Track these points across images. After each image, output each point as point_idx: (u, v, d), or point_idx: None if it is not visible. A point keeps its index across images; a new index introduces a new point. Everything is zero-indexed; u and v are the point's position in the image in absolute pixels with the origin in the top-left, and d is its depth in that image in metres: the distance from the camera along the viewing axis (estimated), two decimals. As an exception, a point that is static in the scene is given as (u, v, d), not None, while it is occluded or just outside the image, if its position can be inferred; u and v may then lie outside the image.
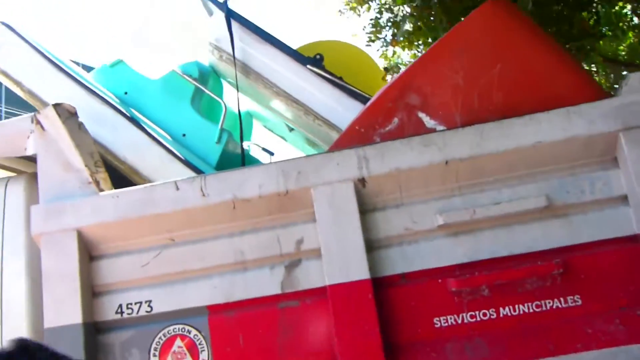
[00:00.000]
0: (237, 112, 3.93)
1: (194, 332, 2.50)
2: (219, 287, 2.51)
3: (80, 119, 2.75)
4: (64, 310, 2.48)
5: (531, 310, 2.32)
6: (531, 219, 2.40)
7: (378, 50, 7.50)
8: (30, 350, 0.84)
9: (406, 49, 7.60)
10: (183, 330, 2.51)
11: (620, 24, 7.25)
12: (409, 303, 2.40)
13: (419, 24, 6.36)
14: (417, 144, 2.43)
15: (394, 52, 8.19)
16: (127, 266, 2.59)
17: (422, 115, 2.57)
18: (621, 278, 2.30)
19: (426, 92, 2.58)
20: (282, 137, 4.23)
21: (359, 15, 8.11)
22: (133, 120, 3.03)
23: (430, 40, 6.40)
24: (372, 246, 2.45)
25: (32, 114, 2.76)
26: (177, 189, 2.53)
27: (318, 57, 3.32)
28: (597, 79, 8.40)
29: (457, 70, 2.56)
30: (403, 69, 9.71)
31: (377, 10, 7.60)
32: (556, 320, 2.31)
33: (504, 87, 2.51)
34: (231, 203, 2.49)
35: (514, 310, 2.33)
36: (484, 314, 2.34)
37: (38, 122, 2.74)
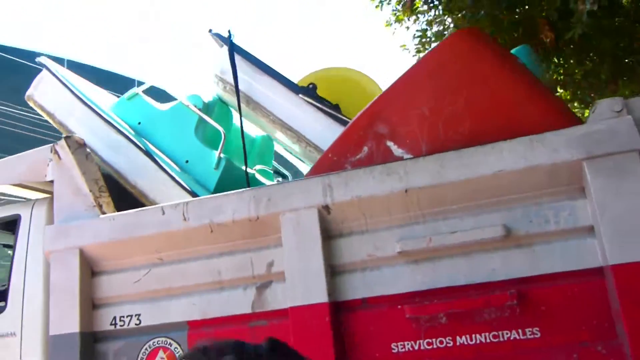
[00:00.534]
0: (253, 137, 4.18)
1: (174, 345, 2.72)
2: (197, 305, 2.72)
3: (88, 149, 3.09)
4: (66, 320, 2.80)
5: (488, 341, 2.31)
6: (493, 248, 2.38)
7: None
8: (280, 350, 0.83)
9: None
10: (165, 342, 2.74)
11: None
12: (369, 327, 2.47)
13: None
14: (379, 172, 2.50)
15: None
16: (122, 282, 2.87)
17: (390, 144, 2.64)
18: (583, 312, 2.23)
19: (394, 121, 2.65)
20: (301, 159, 4.41)
21: (407, 28, 8.06)
22: (142, 148, 3.34)
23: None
24: (335, 271, 2.56)
25: (52, 144, 3.14)
26: (163, 213, 2.78)
27: (310, 86, 3.47)
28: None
29: (423, 100, 2.61)
30: None
31: (425, 22, 7.53)
32: (513, 351, 2.28)
33: (470, 116, 2.52)
34: (208, 227, 2.70)
35: (471, 340, 2.33)
36: (441, 342, 2.36)
37: (56, 152, 3.11)
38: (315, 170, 2.76)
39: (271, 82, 3.45)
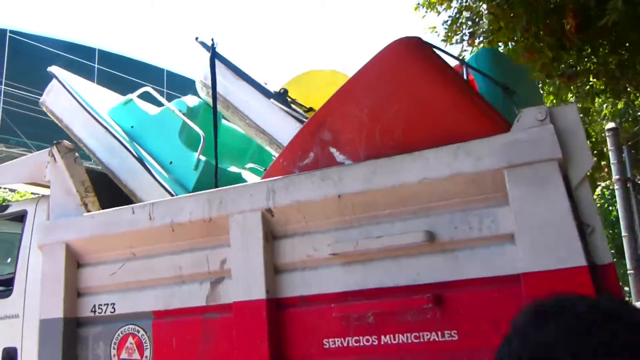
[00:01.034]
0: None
1: (141, 332, 3.01)
2: (161, 296, 2.99)
3: (77, 154, 3.43)
4: (53, 306, 3.16)
5: (410, 341, 2.41)
6: (419, 253, 2.47)
7: (453, 44, 7.18)
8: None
9: None
10: (134, 330, 3.03)
11: None
12: (305, 323, 2.63)
13: (500, 23, 6.07)
14: (317, 178, 2.64)
15: (472, 52, 7.88)
16: (101, 274, 3.19)
17: (333, 150, 2.76)
18: (500, 318, 2.27)
19: (337, 128, 2.76)
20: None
21: (438, 13, 7.89)
22: (131, 151, 3.65)
23: (509, 41, 6.06)
24: (278, 269, 2.74)
25: (49, 148, 3.50)
26: (133, 213, 3.06)
27: (282, 91, 3.62)
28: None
29: (363, 108, 2.71)
30: None
31: (456, 8, 7.35)
32: (432, 353, 2.37)
33: (404, 124, 2.60)
34: (170, 226, 2.95)
35: (394, 339, 2.44)
36: (367, 340, 2.49)
37: (52, 155, 3.47)
38: (268, 174, 2.94)
39: (247, 88, 3.64)
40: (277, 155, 3.58)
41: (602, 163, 8.08)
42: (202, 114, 3.81)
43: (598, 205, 12.48)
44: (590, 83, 7.28)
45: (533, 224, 2.23)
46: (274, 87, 4.04)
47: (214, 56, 3.67)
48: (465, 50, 7.09)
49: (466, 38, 6.89)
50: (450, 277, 2.40)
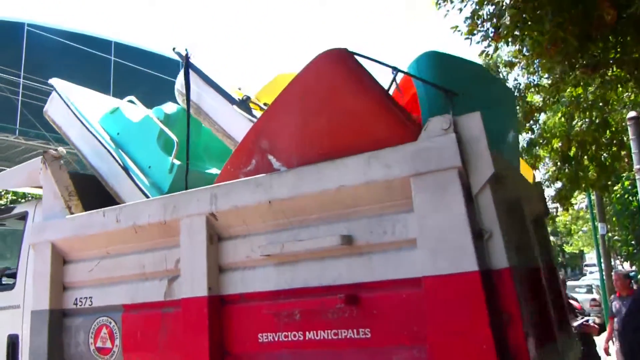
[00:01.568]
0: None
1: (112, 323, 3.34)
2: (129, 291, 3.30)
3: (62, 161, 3.79)
4: (41, 299, 3.55)
5: (330, 337, 2.59)
6: (341, 255, 2.63)
7: (478, 42, 7.06)
8: None
9: (510, 45, 7.14)
10: (107, 321, 3.37)
11: None
12: (244, 319, 2.86)
13: (523, 16, 5.95)
14: (252, 185, 2.84)
15: (497, 48, 7.70)
16: (82, 270, 3.54)
17: (270, 158, 2.94)
18: (406, 318, 2.41)
19: (273, 137, 2.94)
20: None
21: (460, 10, 7.75)
22: (115, 157, 3.98)
23: (535, 34, 5.92)
24: (223, 268, 2.97)
25: (42, 156, 3.88)
26: (104, 216, 3.38)
27: (245, 98, 3.81)
28: None
29: (295, 117, 2.87)
30: (502, 69, 9.08)
31: (475, 2, 7.20)
32: (349, 348, 2.53)
33: (331, 133, 2.74)
34: (133, 228, 3.24)
35: (317, 335, 2.62)
36: (294, 335, 2.68)
37: (44, 162, 3.85)
38: (219, 179, 3.15)
39: (215, 95, 3.86)
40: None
41: (623, 153, 7.78)
42: (180, 120, 4.07)
43: (618, 195, 11.95)
44: (615, 73, 7.00)
45: (432, 229, 2.34)
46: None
47: (188, 66, 3.92)
48: (489, 46, 6.88)
49: (491, 34, 6.72)
50: (365, 279, 2.55)
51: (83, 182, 4.13)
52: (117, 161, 3.97)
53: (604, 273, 13.26)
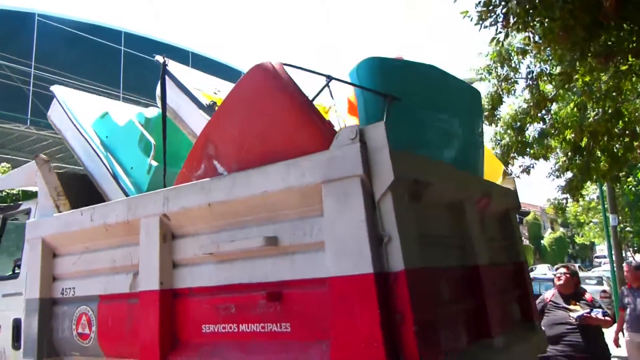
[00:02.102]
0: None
1: (90, 312, 3.71)
2: (103, 283, 3.65)
3: (51, 165, 4.18)
4: (34, 288, 3.97)
5: (258, 330, 2.82)
6: (269, 255, 2.84)
7: (486, 27, 6.95)
8: None
9: (521, 32, 7.03)
10: (86, 310, 3.74)
11: None
12: (191, 311, 3.13)
13: (536, 1, 5.88)
14: (197, 188, 3.09)
15: (507, 35, 7.59)
16: (67, 263, 3.93)
17: (215, 163, 3.17)
18: (320, 315, 2.60)
19: (217, 143, 3.16)
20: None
21: None
22: (102, 159, 4.34)
23: (546, 21, 5.85)
24: (176, 264, 3.26)
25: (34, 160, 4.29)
26: (81, 215, 3.73)
27: (211, 103, 4.03)
28: None
29: (235, 124, 3.08)
30: (514, 56, 8.82)
31: None
32: (273, 341, 2.76)
33: (262, 141, 2.94)
34: (104, 227, 3.57)
35: (248, 328, 2.86)
36: (230, 327, 2.93)
37: (38, 165, 4.26)
38: (176, 182, 3.42)
39: (187, 101, 4.12)
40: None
41: (635, 144, 7.50)
42: (160, 123, 4.37)
43: (630, 187, 11.39)
44: (630, 62, 6.75)
45: (337, 233, 2.51)
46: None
47: (164, 73, 4.19)
48: (500, 32, 6.77)
49: (500, 19, 6.63)
50: (288, 277, 2.75)
51: (82, 182, 4.54)
52: (103, 162, 4.32)
53: (614, 264, 12.82)
